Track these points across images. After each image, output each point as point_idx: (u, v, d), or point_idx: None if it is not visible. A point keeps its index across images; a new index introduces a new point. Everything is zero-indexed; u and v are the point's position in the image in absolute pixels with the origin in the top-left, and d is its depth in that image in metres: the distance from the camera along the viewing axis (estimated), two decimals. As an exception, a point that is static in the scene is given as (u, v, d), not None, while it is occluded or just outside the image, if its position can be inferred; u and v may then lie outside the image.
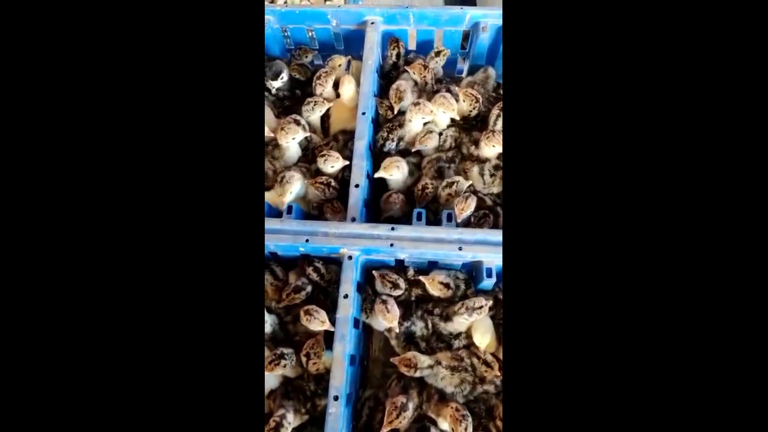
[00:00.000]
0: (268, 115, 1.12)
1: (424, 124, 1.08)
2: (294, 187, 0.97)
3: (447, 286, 0.89)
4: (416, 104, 1.04)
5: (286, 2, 1.94)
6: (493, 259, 0.89)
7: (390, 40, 1.17)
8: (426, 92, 1.13)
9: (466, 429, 0.77)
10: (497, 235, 0.89)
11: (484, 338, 0.92)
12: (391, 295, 0.92)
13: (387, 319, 0.88)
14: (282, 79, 1.12)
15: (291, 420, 0.79)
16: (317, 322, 0.82)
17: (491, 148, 1.00)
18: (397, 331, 0.90)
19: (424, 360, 0.87)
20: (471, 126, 1.08)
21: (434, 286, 0.89)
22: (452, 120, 1.09)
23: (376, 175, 0.98)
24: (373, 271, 0.91)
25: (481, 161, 1.05)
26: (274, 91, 1.16)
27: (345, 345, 0.83)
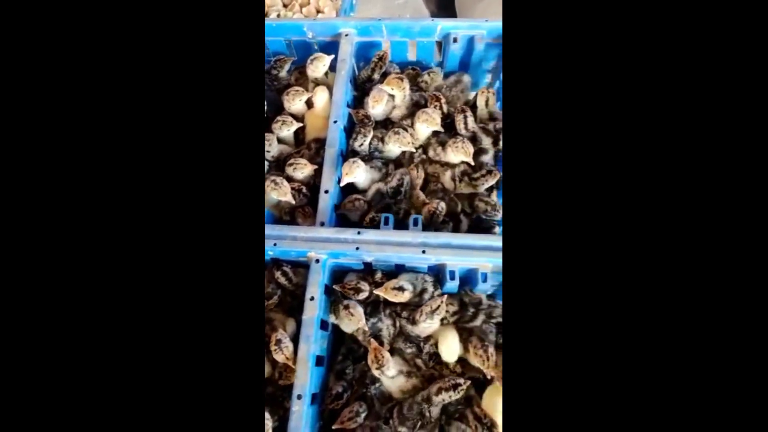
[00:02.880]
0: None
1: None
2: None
3: (401, 289, 0.90)
4: (396, 132, 1.07)
5: (279, 15, 2.01)
6: (456, 262, 0.91)
7: (378, 55, 1.19)
8: (404, 105, 1.16)
9: None
10: (460, 239, 0.91)
11: (451, 351, 0.94)
12: (358, 300, 0.94)
13: (354, 322, 0.91)
14: None
15: None
16: (282, 356, 0.86)
17: (457, 156, 1.03)
18: (366, 329, 0.93)
19: (392, 368, 0.88)
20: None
21: (389, 293, 0.90)
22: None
23: (341, 183, 1.00)
24: (334, 286, 0.94)
25: (451, 166, 1.08)
26: None
27: (310, 345, 0.85)
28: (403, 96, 1.14)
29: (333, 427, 0.85)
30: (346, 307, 0.90)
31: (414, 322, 0.93)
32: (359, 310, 0.91)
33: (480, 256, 0.90)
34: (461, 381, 0.85)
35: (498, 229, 1.06)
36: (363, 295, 0.93)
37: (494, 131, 1.11)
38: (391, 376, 0.88)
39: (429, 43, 1.24)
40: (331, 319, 0.96)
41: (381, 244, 0.91)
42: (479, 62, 1.22)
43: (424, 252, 0.90)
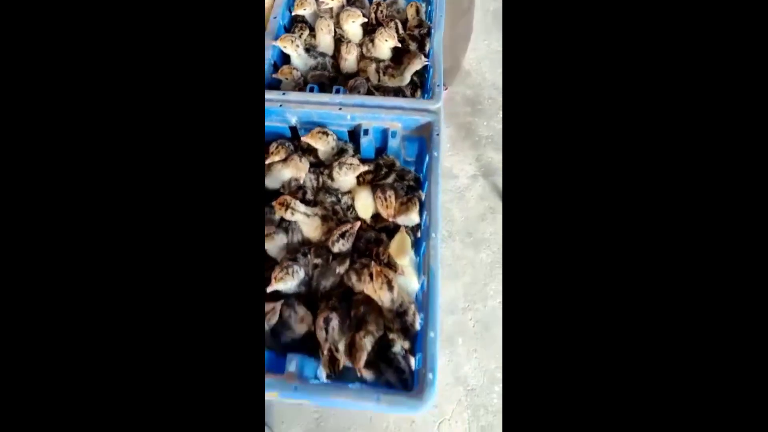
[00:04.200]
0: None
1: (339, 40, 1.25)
2: None
3: (325, 133, 1.01)
4: (321, 18, 1.22)
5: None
6: (370, 121, 1.03)
7: None
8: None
9: None
10: (373, 99, 1.03)
11: (365, 208, 1.04)
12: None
13: (299, 169, 1.00)
14: None
15: None
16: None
17: (384, 42, 1.16)
18: (300, 180, 1.03)
19: (301, 205, 0.98)
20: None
21: (314, 137, 1.01)
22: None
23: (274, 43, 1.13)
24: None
25: (378, 61, 1.21)
26: None
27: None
28: (340, 4, 1.28)
29: (267, 290, 0.88)
30: (300, 157, 1.01)
31: (332, 178, 1.03)
32: (306, 164, 1.02)
33: (390, 114, 1.02)
34: (348, 227, 0.95)
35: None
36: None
37: (419, 36, 1.25)
38: (303, 212, 0.97)
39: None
40: (260, 176, 1.07)
41: (302, 103, 1.03)
42: (411, -19, 1.37)
43: (340, 109, 1.02)
